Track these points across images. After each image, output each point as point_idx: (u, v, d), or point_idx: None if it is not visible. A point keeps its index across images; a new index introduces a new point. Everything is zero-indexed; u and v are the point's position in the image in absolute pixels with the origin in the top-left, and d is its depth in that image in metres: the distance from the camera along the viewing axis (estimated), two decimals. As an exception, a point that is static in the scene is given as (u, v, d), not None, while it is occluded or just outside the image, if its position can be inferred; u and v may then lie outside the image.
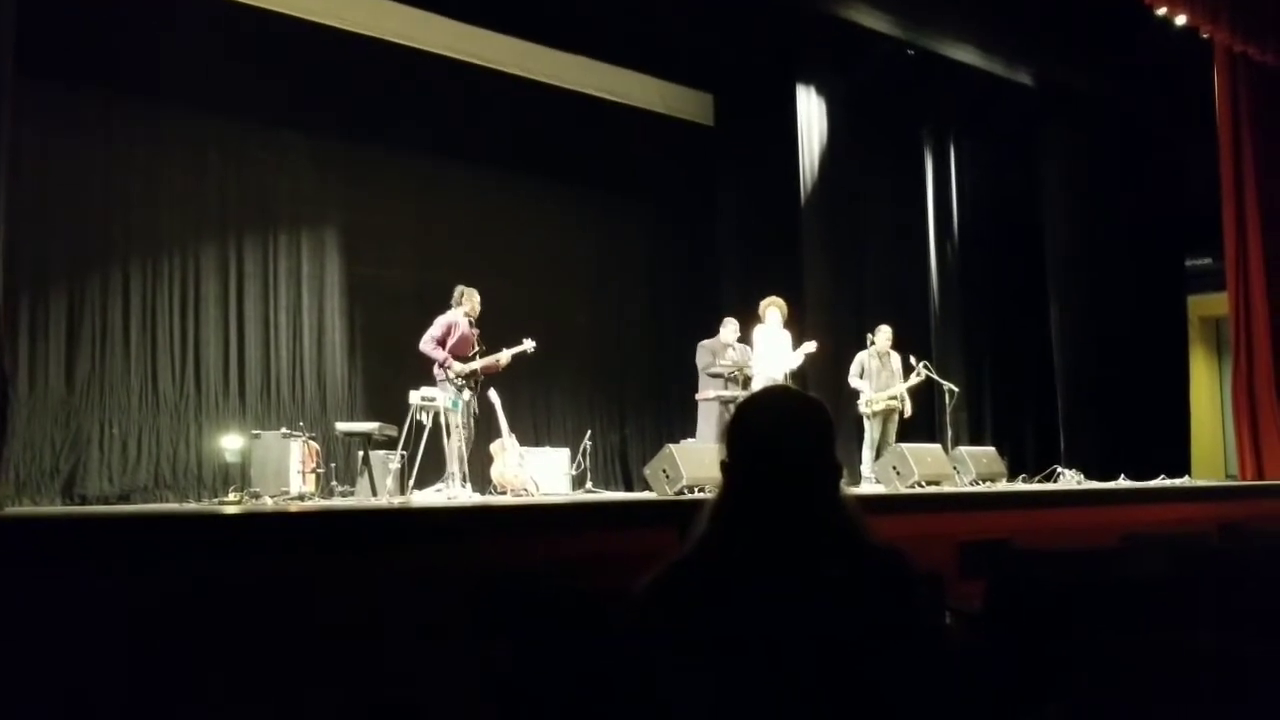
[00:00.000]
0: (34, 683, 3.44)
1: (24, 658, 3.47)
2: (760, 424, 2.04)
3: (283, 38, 9.76)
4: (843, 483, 2.07)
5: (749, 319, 9.65)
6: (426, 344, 8.27)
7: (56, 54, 8.33)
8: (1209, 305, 14.51)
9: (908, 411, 9.98)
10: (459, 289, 8.50)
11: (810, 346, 9.43)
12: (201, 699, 3.70)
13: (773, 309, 9.56)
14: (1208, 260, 13.98)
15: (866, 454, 9.84)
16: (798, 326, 9.95)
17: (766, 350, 9.45)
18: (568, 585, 3.33)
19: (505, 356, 8.51)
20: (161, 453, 9.04)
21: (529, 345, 8.56)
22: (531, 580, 3.52)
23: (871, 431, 9.88)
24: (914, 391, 10.07)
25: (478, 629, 3.22)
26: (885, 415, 9.92)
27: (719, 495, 2.02)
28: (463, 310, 8.39)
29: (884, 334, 10.11)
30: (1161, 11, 10.80)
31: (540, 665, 2.25)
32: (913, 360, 10.11)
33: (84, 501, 8.45)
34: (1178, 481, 10.47)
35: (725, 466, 2.02)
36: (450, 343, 8.25)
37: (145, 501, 8.69)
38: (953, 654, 2.53)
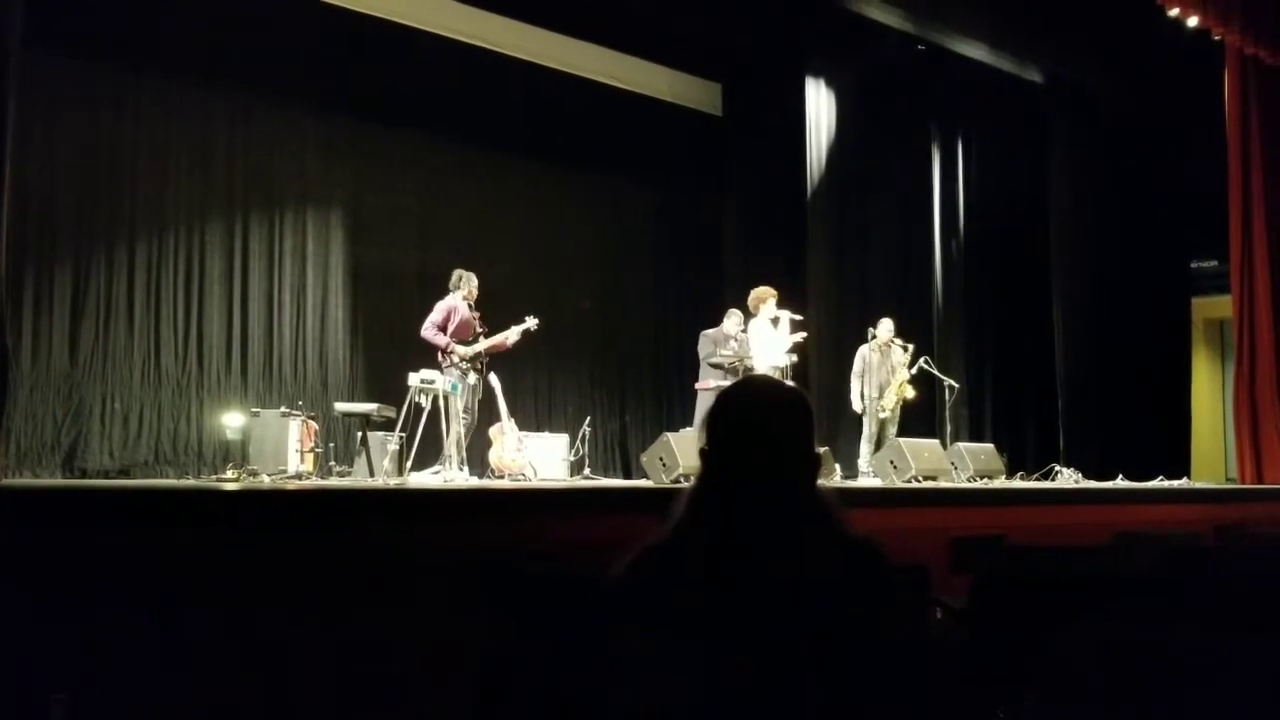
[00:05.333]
0: (29, 646, 3.49)
1: (21, 623, 3.52)
2: (739, 412, 2.06)
3: (292, 17, 9.74)
4: (825, 474, 2.09)
5: (752, 311, 9.58)
6: (428, 330, 8.29)
7: (65, 27, 8.33)
8: (1214, 308, 14.49)
9: (910, 395, 9.95)
10: (457, 273, 8.52)
11: (798, 337, 9.38)
12: (192, 669, 3.75)
13: (770, 299, 9.35)
14: (1213, 262, 13.97)
15: (864, 448, 9.84)
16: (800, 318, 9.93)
17: (765, 341, 9.37)
18: (554, 567, 3.37)
19: (514, 334, 8.54)
20: (163, 428, 9.07)
21: (532, 323, 8.58)
22: (518, 562, 3.55)
23: (869, 426, 9.87)
24: (915, 380, 10.07)
25: (462, 608, 3.26)
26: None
27: (696, 481, 2.04)
28: (461, 294, 8.41)
29: (885, 327, 10.10)
30: (1174, 12, 10.78)
31: (522, 645, 2.28)
32: (908, 349, 10.07)
33: (84, 475, 8.49)
34: (1174, 483, 10.46)
35: (703, 453, 2.05)
36: (451, 327, 8.27)
37: (145, 476, 8.72)
38: (930, 645, 2.56)
